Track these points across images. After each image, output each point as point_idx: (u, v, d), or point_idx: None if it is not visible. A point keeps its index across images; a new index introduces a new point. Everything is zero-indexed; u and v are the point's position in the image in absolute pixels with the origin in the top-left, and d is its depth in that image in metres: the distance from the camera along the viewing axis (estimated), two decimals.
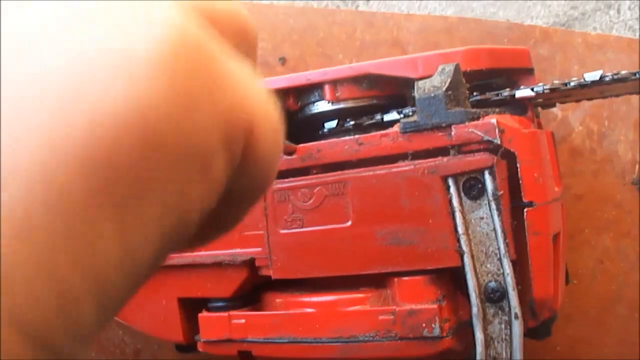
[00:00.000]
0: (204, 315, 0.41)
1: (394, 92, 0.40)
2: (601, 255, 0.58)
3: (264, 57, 0.63)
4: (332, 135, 0.42)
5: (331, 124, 0.42)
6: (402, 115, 0.39)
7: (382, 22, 0.62)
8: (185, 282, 0.42)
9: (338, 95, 0.40)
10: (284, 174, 0.39)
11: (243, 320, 0.40)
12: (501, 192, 0.34)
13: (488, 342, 0.35)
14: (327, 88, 0.40)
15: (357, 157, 0.37)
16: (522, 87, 0.38)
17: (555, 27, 0.61)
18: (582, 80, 0.37)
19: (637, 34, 0.59)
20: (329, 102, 0.41)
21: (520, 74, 0.39)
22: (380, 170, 0.36)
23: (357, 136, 0.37)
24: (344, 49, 0.62)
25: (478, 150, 0.35)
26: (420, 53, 0.39)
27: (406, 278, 0.37)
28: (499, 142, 0.34)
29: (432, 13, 0.63)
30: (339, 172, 0.37)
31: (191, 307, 0.43)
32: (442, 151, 0.35)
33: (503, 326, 0.35)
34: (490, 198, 0.35)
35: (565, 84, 0.37)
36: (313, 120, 0.42)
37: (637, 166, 0.58)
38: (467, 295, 0.37)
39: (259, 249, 0.39)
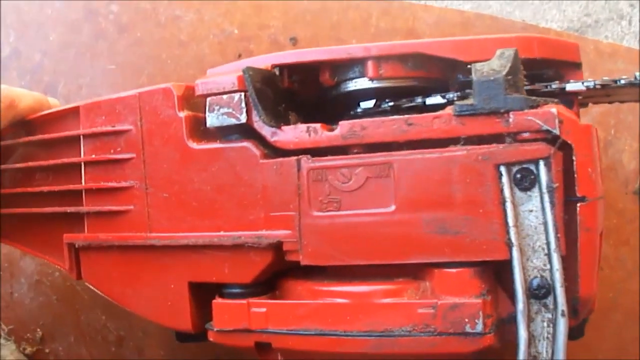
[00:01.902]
0: (218, 302, 0.38)
1: (438, 75, 0.38)
2: (600, 262, 0.58)
3: (274, 36, 0.60)
4: (366, 115, 0.40)
5: (368, 104, 0.39)
6: (445, 100, 0.37)
7: (398, 11, 0.60)
8: (198, 265, 0.39)
9: (381, 73, 0.38)
10: (321, 151, 0.36)
11: (264, 309, 0.37)
12: (556, 185, 0.33)
13: (530, 340, 0.33)
14: (370, 64, 0.38)
15: (405, 139, 0.35)
16: (571, 80, 0.37)
17: (569, 32, 0.61)
18: (634, 79, 0.36)
19: None
20: (369, 80, 0.38)
21: (568, 67, 0.38)
22: (431, 153, 0.34)
23: (406, 116, 0.35)
24: (358, 35, 0.60)
25: (534, 140, 0.33)
26: (473, 36, 0.37)
27: (450, 270, 0.35)
28: (557, 132, 0.33)
29: (450, 6, 0.62)
30: (385, 153, 0.35)
31: (202, 293, 0.40)
32: (497, 138, 0.34)
33: (546, 324, 0.34)
34: (544, 190, 0.33)
35: (616, 81, 0.36)
36: (348, 98, 0.40)
37: (639, 176, 0.59)
38: (509, 291, 0.36)
39: (288, 232, 0.36)
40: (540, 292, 0.34)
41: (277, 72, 0.39)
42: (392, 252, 0.35)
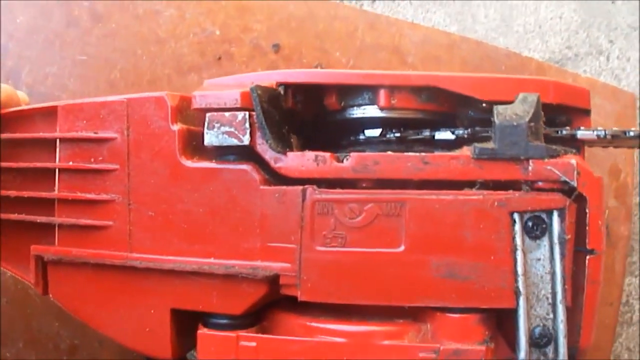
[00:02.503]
0: (204, 332, 0.36)
1: (448, 109, 0.37)
2: None
3: (256, 40, 0.57)
4: (369, 144, 0.38)
5: (374, 132, 0.38)
6: (455, 136, 0.37)
7: (385, 26, 0.59)
8: (184, 292, 0.36)
9: (393, 103, 0.36)
10: (330, 183, 0.34)
11: (254, 344, 0.35)
12: (569, 236, 0.33)
13: None
14: (382, 93, 0.36)
15: (420, 177, 0.33)
16: (582, 127, 0.37)
17: (549, 63, 0.61)
18: None
19: (622, 83, 0.62)
20: (379, 109, 0.37)
21: (578, 113, 0.38)
22: (446, 195, 0.33)
23: (422, 154, 0.34)
24: (343, 47, 0.58)
25: (550, 190, 0.33)
26: (490, 74, 0.36)
27: (453, 315, 0.34)
28: (575, 184, 0.32)
29: (436, 26, 0.61)
30: (398, 191, 0.33)
31: (183, 319, 0.37)
32: (514, 185, 0.33)
33: None
34: (555, 241, 0.33)
35: (625, 133, 0.36)
36: (352, 124, 0.38)
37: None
38: (507, 337, 0.35)
39: (287, 265, 0.34)
40: (541, 341, 0.33)
41: (282, 91, 0.37)
42: (397, 294, 0.34)
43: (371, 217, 0.34)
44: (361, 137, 0.38)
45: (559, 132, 0.36)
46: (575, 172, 0.32)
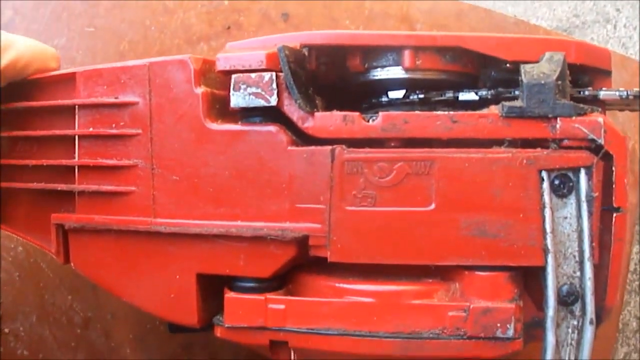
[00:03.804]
0: (231, 296, 0.35)
1: (471, 70, 0.37)
2: None
3: (265, 10, 0.56)
4: (392, 105, 0.38)
5: (397, 94, 0.38)
6: (478, 97, 0.37)
7: None
8: (210, 256, 0.36)
9: (418, 64, 0.36)
10: (358, 143, 0.34)
11: (283, 306, 0.35)
12: (596, 194, 0.33)
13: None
14: (407, 53, 0.36)
15: (448, 136, 0.33)
16: (604, 88, 0.37)
17: (557, 31, 0.61)
18: None
19: (629, 52, 0.62)
20: (404, 70, 0.37)
21: (599, 74, 0.38)
22: (475, 153, 0.33)
23: (451, 112, 0.34)
24: (352, 16, 0.58)
25: (578, 148, 0.33)
26: (515, 34, 0.36)
27: (482, 273, 0.34)
28: (602, 142, 0.33)
29: None
30: (427, 149, 0.33)
31: (209, 285, 0.37)
32: (542, 143, 0.33)
33: (570, 330, 0.34)
34: (583, 199, 0.33)
35: None
36: (375, 86, 0.38)
37: None
38: (532, 295, 0.36)
39: (317, 226, 0.34)
40: (569, 299, 0.34)
41: (306, 52, 0.36)
42: (427, 253, 0.34)
43: (401, 176, 0.34)
44: (384, 99, 0.38)
45: (582, 92, 0.36)
46: (603, 130, 0.32)
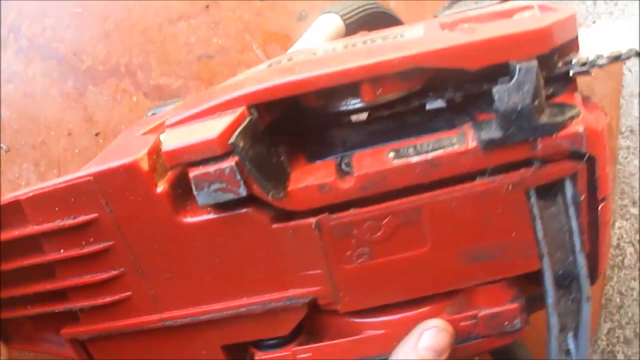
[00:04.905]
0: (262, 358, 0.37)
1: (438, 78, 0.34)
2: None
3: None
4: (356, 126, 0.36)
5: (361, 117, 0.35)
6: (446, 104, 0.34)
7: None
8: (229, 331, 0.37)
9: (378, 93, 0.33)
10: (340, 207, 0.33)
11: (309, 354, 0.37)
12: (582, 197, 0.33)
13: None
14: (365, 87, 0.33)
15: (431, 179, 0.32)
16: (573, 62, 0.34)
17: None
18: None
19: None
20: (364, 102, 0.34)
21: (567, 44, 0.35)
22: (460, 191, 0.32)
23: (429, 157, 0.32)
24: None
25: (560, 159, 0.32)
26: (473, 37, 0.32)
27: (484, 286, 0.36)
28: (584, 150, 0.32)
29: None
30: (411, 199, 0.33)
31: (235, 350, 0.39)
32: (525, 163, 0.32)
33: (570, 303, 0.37)
34: (570, 202, 0.33)
35: (618, 57, 0.34)
36: (335, 117, 0.35)
37: None
38: (533, 282, 0.38)
39: (322, 288, 0.35)
40: (565, 282, 0.36)
41: (255, 114, 0.33)
42: (430, 285, 0.35)
43: (391, 229, 0.33)
44: (348, 121, 0.36)
45: (554, 72, 0.34)
46: (584, 139, 0.31)
